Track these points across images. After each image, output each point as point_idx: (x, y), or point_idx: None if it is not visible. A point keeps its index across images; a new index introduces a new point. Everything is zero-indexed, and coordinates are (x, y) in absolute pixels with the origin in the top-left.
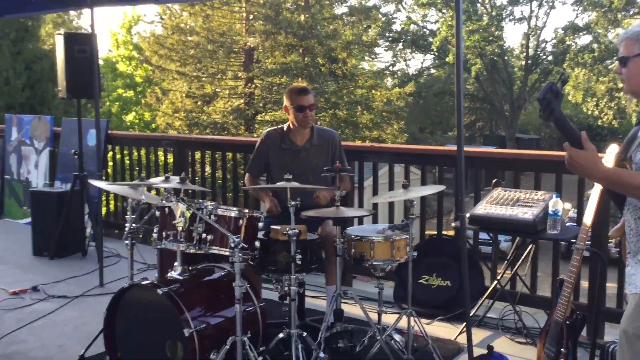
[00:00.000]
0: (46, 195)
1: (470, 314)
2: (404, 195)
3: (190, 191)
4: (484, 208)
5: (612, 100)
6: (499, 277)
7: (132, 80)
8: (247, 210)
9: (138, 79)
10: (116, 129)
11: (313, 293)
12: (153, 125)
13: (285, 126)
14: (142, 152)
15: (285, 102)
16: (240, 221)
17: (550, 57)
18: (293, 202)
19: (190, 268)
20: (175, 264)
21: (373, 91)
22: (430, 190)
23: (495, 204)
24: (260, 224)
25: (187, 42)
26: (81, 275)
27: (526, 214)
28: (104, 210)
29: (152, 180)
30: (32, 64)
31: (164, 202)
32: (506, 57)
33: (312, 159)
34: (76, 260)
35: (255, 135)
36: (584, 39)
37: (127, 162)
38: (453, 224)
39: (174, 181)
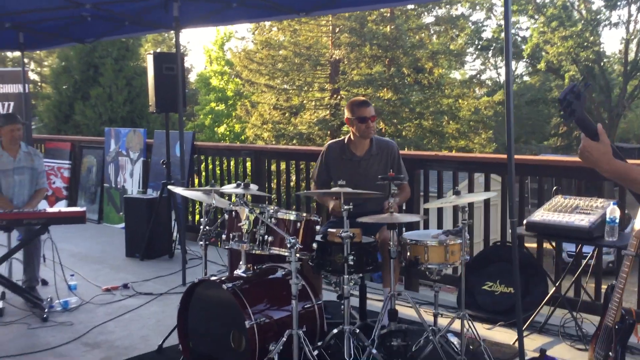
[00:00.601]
0: (138, 201)
1: (531, 320)
2: (454, 202)
3: (269, 197)
4: (541, 215)
5: None
6: (556, 284)
7: (224, 94)
8: (305, 214)
9: (229, 93)
10: (209, 140)
11: (378, 297)
12: (242, 137)
13: (346, 138)
14: (232, 162)
15: (347, 114)
16: (299, 224)
17: None
18: (346, 207)
19: (254, 267)
20: (241, 262)
21: (460, 100)
22: (481, 196)
23: (554, 211)
24: (321, 228)
25: (276, 56)
26: (167, 275)
27: (582, 220)
28: (190, 217)
29: (225, 187)
30: (132, 80)
31: (231, 206)
32: (602, 64)
33: (372, 169)
34: (163, 262)
35: None
36: None
37: (218, 171)
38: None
39: (240, 187)
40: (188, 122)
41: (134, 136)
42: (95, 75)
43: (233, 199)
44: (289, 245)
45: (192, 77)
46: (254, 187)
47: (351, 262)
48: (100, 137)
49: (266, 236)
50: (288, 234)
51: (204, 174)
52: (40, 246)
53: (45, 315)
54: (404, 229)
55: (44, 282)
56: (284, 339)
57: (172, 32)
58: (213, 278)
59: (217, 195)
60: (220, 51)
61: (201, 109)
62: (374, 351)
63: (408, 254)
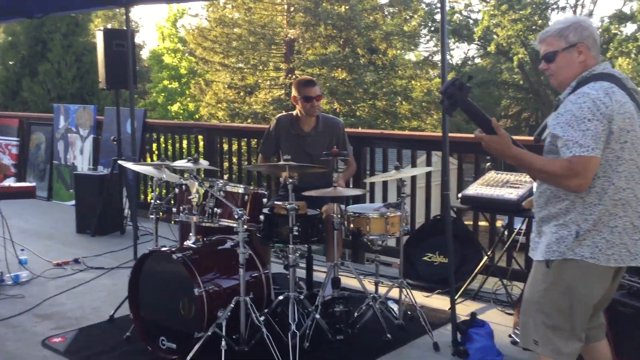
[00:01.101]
0: (88, 178)
1: (465, 287)
2: (394, 176)
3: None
4: (475, 189)
5: None
6: (488, 254)
7: (177, 72)
8: (252, 187)
9: (183, 71)
10: (162, 119)
11: (325, 269)
12: (197, 116)
13: (294, 113)
14: (184, 140)
15: (294, 92)
16: (246, 197)
17: None
18: (291, 180)
19: (204, 239)
20: (190, 234)
21: (413, 81)
22: (418, 171)
23: (486, 185)
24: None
25: (230, 34)
26: (118, 250)
27: (511, 194)
28: (142, 195)
29: (175, 162)
30: (82, 56)
31: (181, 180)
32: None
33: (318, 145)
34: (115, 238)
35: None
36: (630, 28)
37: (170, 149)
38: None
39: (190, 162)
40: (140, 100)
41: (84, 113)
42: (43, 51)
43: (185, 174)
44: (236, 217)
45: (145, 54)
46: (204, 162)
47: (296, 233)
48: (49, 114)
49: (215, 209)
50: (236, 206)
51: (155, 152)
52: None
53: None
54: (351, 202)
55: None
56: (232, 305)
57: (122, 8)
58: (164, 249)
59: (167, 170)
60: (173, 28)
61: (154, 86)
62: (318, 316)
63: (351, 225)
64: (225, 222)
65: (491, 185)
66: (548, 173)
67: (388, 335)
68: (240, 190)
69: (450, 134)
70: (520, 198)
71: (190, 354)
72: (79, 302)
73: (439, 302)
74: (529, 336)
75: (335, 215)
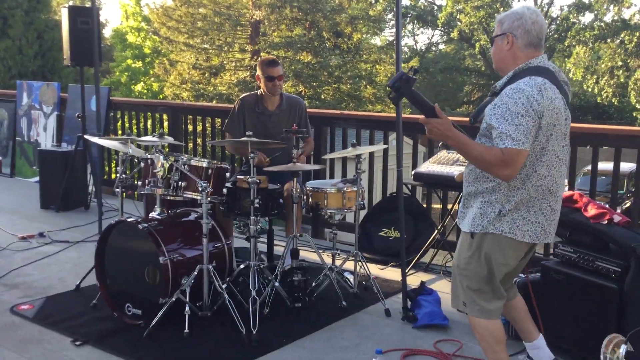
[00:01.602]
0: (52, 154)
1: (416, 261)
2: (351, 152)
3: (185, 147)
4: (427, 167)
5: (612, 78)
6: (439, 229)
7: (141, 51)
8: (215, 162)
9: (147, 50)
10: (126, 97)
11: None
12: (161, 96)
13: (259, 92)
14: (149, 119)
15: (258, 71)
16: (210, 170)
17: (555, 35)
18: (252, 155)
19: (169, 211)
20: (156, 206)
21: (377, 66)
22: (375, 148)
23: (437, 163)
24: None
25: (195, 14)
26: (83, 225)
27: (459, 171)
28: (107, 171)
29: (143, 137)
30: (44, 33)
31: (147, 154)
32: None
33: (281, 123)
34: (79, 213)
35: None
36: (588, 17)
37: (135, 128)
38: (404, 181)
39: (155, 136)
40: (103, 79)
41: (48, 90)
42: (4, 28)
43: (151, 149)
44: (200, 189)
45: (107, 33)
46: (169, 138)
47: (257, 205)
48: (11, 90)
49: (180, 182)
50: (199, 179)
51: (120, 131)
52: None
53: None
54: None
55: None
56: (195, 272)
57: None
58: (129, 219)
59: (133, 145)
60: (137, 6)
61: (117, 65)
62: (277, 284)
63: (310, 200)
64: (189, 195)
65: (442, 163)
66: (482, 160)
67: (343, 302)
68: (204, 164)
69: (404, 115)
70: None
71: (156, 318)
72: (46, 273)
73: (393, 273)
74: (458, 298)
75: (294, 189)
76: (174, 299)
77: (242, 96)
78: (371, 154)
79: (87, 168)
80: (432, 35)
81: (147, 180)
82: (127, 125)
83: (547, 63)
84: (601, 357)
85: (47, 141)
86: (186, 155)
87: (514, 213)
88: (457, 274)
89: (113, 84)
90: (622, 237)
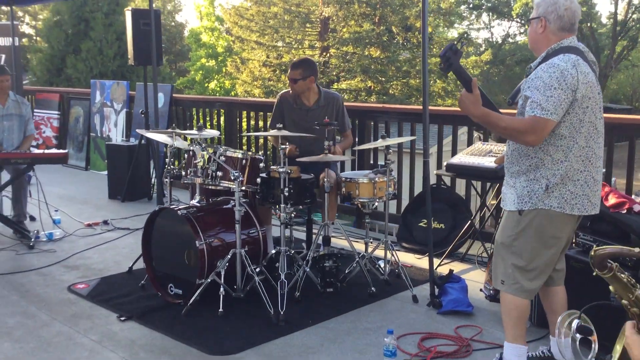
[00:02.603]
0: (119, 148)
1: (449, 251)
2: (381, 143)
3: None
4: (459, 158)
5: None
6: (472, 219)
7: (214, 50)
8: (250, 153)
9: (220, 49)
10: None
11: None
12: (232, 93)
13: None
14: (207, 113)
15: None
16: (244, 161)
17: (637, 25)
18: (282, 146)
19: (210, 199)
20: (196, 194)
21: None
22: (403, 139)
23: (470, 154)
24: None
25: (266, 12)
26: (144, 214)
27: (491, 162)
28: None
29: (185, 131)
30: (122, 35)
31: (189, 146)
32: (589, 24)
33: (319, 117)
34: (142, 203)
35: None
36: None
37: (195, 122)
38: (435, 172)
39: (195, 130)
40: (179, 78)
41: (118, 88)
42: (86, 30)
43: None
44: (232, 178)
45: (187, 33)
46: (212, 132)
47: (286, 194)
48: (86, 89)
49: (217, 172)
50: (234, 170)
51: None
52: (26, 185)
53: (31, 244)
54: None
55: (32, 218)
56: (229, 256)
57: None
58: (171, 206)
59: (180, 138)
60: (210, 7)
61: (192, 64)
62: (307, 269)
63: (343, 189)
64: (225, 184)
65: (475, 154)
66: (511, 128)
67: (372, 288)
68: (239, 155)
69: (434, 107)
70: (499, 166)
71: (193, 298)
72: (104, 257)
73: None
74: (497, 277)
75: (325, 180)
76: (209, 280)
77: (280, 93)
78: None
79: (151, 161)
80: (510, 27)
81: (188, 170)
82: (195, 120)
83: (577, 43)
84: (556, 331)
85: (117, 136)
86: (223, 147)
87: (561, 188)
88: (502, 251)
89: (188, 82)
90: (638, 225)
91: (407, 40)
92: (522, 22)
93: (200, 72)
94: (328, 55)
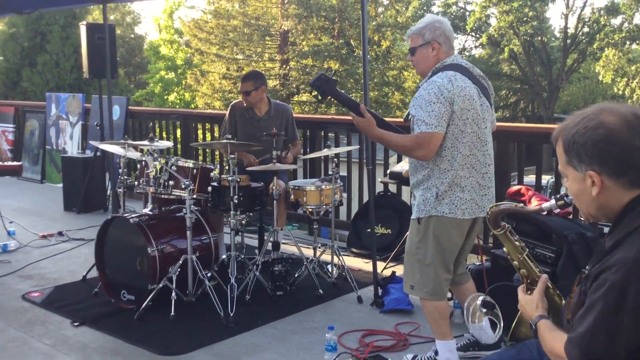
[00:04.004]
0: (74, 160)
1: (394, 254)
2: (326, 153)
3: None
4: (401, 166)
5: None
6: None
7: (174, 62)
8: (201, 163)
9: (179, 62)
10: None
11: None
12: (192, 105)
13: None
14: (163, 125)
15: None
16: (195, 170)
17: (586, 39)
18: (232, 156)
19: (162, 208)
20: (148, 203)
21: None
22: (347, 148)
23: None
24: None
25: (226, 25)
26: (99, 225)
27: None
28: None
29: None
30: (79, 48)
31: (142, 157)
32: (541, 37)
33: (269, 127)
34: (98, 215)
35: None
36: (618, 20)
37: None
38: (380, 180)
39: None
40: (137, 90)
41: (73, 101)
42: (42, 43)
43: (145, 152)
44: (183, 187)
45: (146, 45)
46: (165, 143)
47: (236, 201)
48: (42, 102)
49: (169, 181)
50: (186, 179)
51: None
52: None
53: None
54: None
55: None
56: (180, 261)
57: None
58: (123, 215)
59: (132, 149)
60: (169, 20)
61: (151, 77)
62: (257, 273)
63: (292, 197)
64: (177, 192)
65: None
66: (401, 146)
67: (320, 291)
68: (190, 165)
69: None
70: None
71: (145, 303)
72: (59, 267)
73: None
74: (407, 282)
75: (274, 188)
76: (161, 285)
77: (232, 103)
78: (362, 155)
79: (107, 173)
80: (465, 41)
81: (141, 180)
82: (151, 132)
83: (460, 60)
84: (464, 308)
85: (73, 149)
86: (174, 157)
87: (450, 195)
88: (409, 259)
89: (147, 94)
90: (559, 227)
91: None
92: (477, 36)
93: (160, 84)
94: (288, 67)
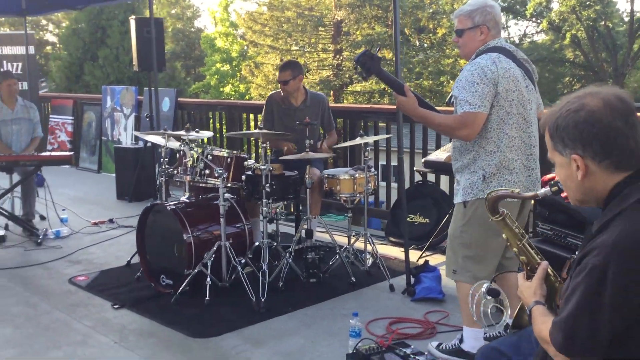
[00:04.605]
0: (126, 151)
1: (429, 243)
2: (359, 141)
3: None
4: (436, 155)
5: None
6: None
7: (229, 55)
8: (235, 152)
9: (234, 54)
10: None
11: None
12: (247, 97)
13: None
14: (210, 115)
15: None
16: (229, 159)
17: None
18: (264, 145)
19: (200, 196)
20: (185, 191)
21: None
22: (379, 137)
23: (446, 151)
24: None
25: (280, 17)
26: None
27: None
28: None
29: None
30: None
31: (180, 146)
32: (605, 22)
33: (305, 117)
34: (148, 203)
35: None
36: None
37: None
38: (415, 169)
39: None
40: (195, 83)
41: (127, 93)
42: (103, 37)
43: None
44: (216, 175)
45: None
46: (206, 133)
47: (268, 190)
48: (98, 95)
49: (205, 170)
50: (220, 167)
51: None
52: (34, 186)
53: (39, 241)
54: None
55: (42, 217)
56: (214, 248)
57: None
58: (162, 202)
59: (173, 139)
60: (225, 13)
61: (207, 69)
62: (290, 261)
63: (326, 186)
64: (212, 180)
65: (448, 150)
66: (445, 125)
67: (352, 279)
68: (225, 154)
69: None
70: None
71: (181, 287)
72: (106, 252)
73: (412, 256)
74: (449, 266)
75: (307, 176)
76: (196, 270)
77: (269, 94)
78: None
79: (156, 164)
80: (527, 27)
81: (179, 169)
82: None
83: (503, 43)
84: (469, 295)
85: (127, 140)
86: (210, 146)
87: (498, 177)
88: (452, 243)
89: (204, 87)
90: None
91: (420, 43)
92: (538, 22)
93: (216, 76)
94: (341, 57)
